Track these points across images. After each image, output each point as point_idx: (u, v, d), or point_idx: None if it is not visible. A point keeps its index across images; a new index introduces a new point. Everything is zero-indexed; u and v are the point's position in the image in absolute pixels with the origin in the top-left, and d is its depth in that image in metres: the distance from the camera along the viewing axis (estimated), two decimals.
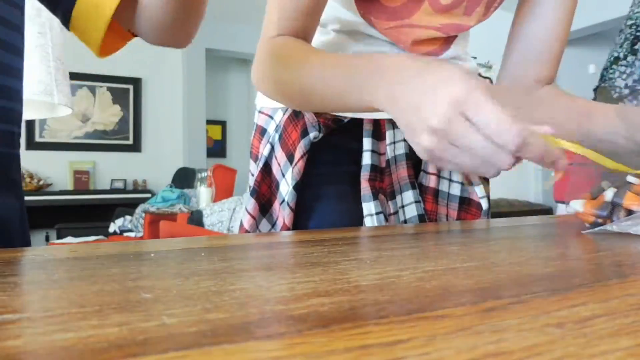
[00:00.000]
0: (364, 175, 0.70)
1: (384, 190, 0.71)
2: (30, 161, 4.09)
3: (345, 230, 0.47)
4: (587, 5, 3.54)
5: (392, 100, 0.46)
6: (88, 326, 0.16)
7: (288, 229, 0.70)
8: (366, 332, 0.15)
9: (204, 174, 3.88)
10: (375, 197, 0.69)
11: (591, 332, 0.16)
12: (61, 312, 0.18)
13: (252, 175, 0.76)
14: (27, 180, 4.01)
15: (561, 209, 3.15)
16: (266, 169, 0.75)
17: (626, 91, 0.84)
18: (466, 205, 0.73)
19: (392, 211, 0.71)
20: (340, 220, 0.70)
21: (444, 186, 0.73)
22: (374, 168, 0.71)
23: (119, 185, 4.46)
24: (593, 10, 3.66)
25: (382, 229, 0.50)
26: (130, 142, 4.52)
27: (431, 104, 0.42)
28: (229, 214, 2.95)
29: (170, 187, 4.28)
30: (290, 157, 0.72)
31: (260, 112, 0.79)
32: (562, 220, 0.61)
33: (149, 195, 4.25)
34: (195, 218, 3.15)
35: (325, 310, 0.18)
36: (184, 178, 4.31)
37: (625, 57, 0.85)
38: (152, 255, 0.32)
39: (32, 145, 4.14)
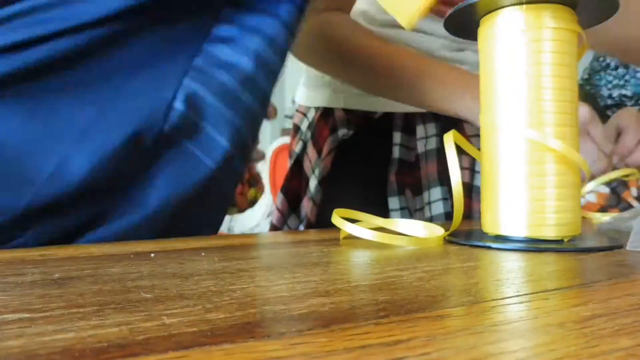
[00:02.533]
0: (392, 168, 0.69)
1: (412, 186, 0.70)
2: None
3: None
4: None
5: None
6: (88, 326, 0.16)
7: (312, 224, 0.70)
8: (366, 332, 0.15)
9: None
10: (401, 192, 0.69)
11: (591, 332, 0.16)
12: (61, 312, 0.18)
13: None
14: None
15: None
16: (297, 165, 0.75)
17: (610, 102, 0.83)
18: None
19: (418, 207, 0.69)
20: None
21: (478, 181, 0.71)
22: (402, 162, 0.70)
23: None
24: None
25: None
26: None
27: None
28: (229, 214, 2.95)
29: None
30: (320, 154, 0.72)
31: (297, 110, 0.80)
32: None
33: None
34: None
35: (325, 310, 0.18)
36: None
37: (616, 68, 0.84)
38: (152, 255, 0.32)
39: None
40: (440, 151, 0.69)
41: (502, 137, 0.36)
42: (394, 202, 0.68)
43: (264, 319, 0.17)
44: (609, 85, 0.82)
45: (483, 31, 0.38)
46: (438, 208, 0.69)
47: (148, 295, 0.20)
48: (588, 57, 0.93)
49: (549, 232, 0.35)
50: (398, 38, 0.69)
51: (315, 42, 0.66)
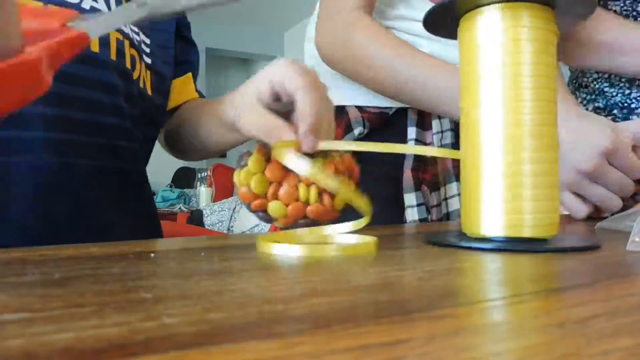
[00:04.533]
0: (407, 165, 0.69)
1: (428, 182, 0.69)
2: None
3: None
4: None
5: None
6: (88, 326, 0.16)
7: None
8: (366, 332, 0.15)
9: (204, 174, 3.88)
10: (417, 188, 0.68)
11: (591, 332, 0.16)
12: (61, 312, 0.18)
13: None
14: None
15: (560, 210, 3.15)
16: None
17: None
18: None
19: (435, 203, 0.69)
20: (379, 217, 0.69)
21: None
22: (417, 158, 0.69)
23: None
24: None
25: (381, 229, 0.50)
26: None
27: (581, 152, 0.53)
28: (229, 214, 2.95)
29: (170, 187, 4.28)
30: None
31: None
32: (561, 220, 0.60)
33: None
34: (195, 218, 3.15)
35: (325, 310, 0.18)
36: (184, 178, 4.31)
37: (586, 86, 0.86)
38: (152, 255, 0.32)
39: None
40: (456, 146, 0.69)
41: (481, 138, 0.36)
42: (410, 199, 0.68)
43: (264, 319, 0.17)
44: (583, 102, 0.84)
45: (462, 30, 0.38)
46: (455, 204, 0.68)
47: (148, 295, 0.20)
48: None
49: (528, 232, 0.35)
50: (409, 33, 0.69)
51: (342, 59, 0.66)
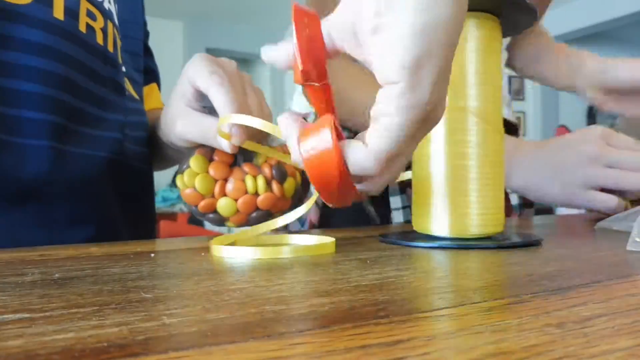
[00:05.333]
0: None
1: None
2: None
3: (344, 231, 0.47)
4: (587, 5, 3.54)
5: (533, 157, 0.58)
6: (88, 326, 0.16)
7: (314, 226, 0.71)
8: (366, 332, 0.15)
9: None
10: (402, 191, 0.70)
11: (591, 332, 0.16)
12: (61, 312, 0.18)
13: None
14: None
15: (561, 210, 3.16)
16: None
17: None
18: None
19: None
20: (365, 218, 0.70)
21: None
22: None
23: None
24: (593, 10, 3.66)
25: (381, 228, 0.50)
26: None
27: (583, 142, 0.54)
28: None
29: (171, 186, 4.28)
30: None
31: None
32: (562, 219, 0.61)
33: None
34: (195, 218, 3.14)
35: (325, 310, 0.18)
36: None
37: None
38: (152, 255, 0.32)
39: None
40: None
41: (429, 146, 0.37)
42: (395, 201, 0.70)
43: (264, 319, 0.17)
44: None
45: None
46: None
47: (148, 295, 0.20)
48: None
49: (476, 231, 0.36)
50: None
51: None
